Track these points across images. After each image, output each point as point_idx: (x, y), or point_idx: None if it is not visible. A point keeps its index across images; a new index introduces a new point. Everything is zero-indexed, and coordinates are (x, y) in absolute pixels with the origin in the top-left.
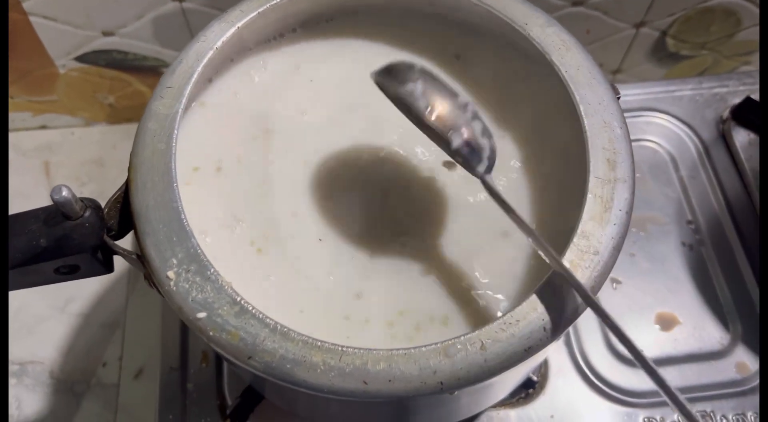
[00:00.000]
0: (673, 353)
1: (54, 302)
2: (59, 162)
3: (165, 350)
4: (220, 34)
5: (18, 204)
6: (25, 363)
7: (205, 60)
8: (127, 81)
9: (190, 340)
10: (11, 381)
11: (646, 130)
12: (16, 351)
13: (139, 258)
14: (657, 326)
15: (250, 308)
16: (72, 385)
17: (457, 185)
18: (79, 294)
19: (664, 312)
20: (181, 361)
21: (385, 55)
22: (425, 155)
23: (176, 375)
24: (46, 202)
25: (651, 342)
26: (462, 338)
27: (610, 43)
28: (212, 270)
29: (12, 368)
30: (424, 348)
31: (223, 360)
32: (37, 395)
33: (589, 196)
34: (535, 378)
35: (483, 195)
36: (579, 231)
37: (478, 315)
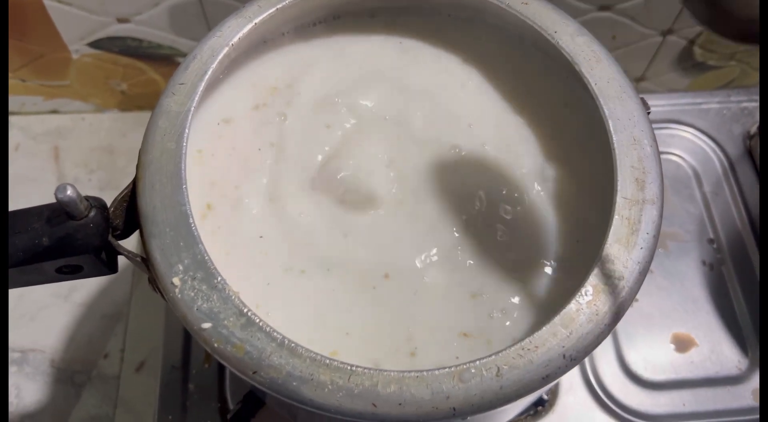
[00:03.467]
0: (688, 376)
1: (57, 290)
2: (68, 147)
3: (167, 348)
4: (237, 29)
5: (25, 188)
6: (26, 351)
7: (220, 56)
8: (141, 69)
9: (194, 340)
10: (11, 368)
11: (669, 143)
12: (17, 338)
13: (144, 261)
14: (672, 346)
15: (257, 320)
16: (72, 375)
17: None
18: (83, 283)
19: (680, 333)
20: (183, 360)
21: (405, 52)
22: None
23: (177, 374)
24: (53, 187)
25: (666, 363)
26: (477, 363)
27: (636, 50)
28: (219, 278)
29: (13, 355)
30: (437, 372)
31: None
32: (37, 384)
33: (616, 217)
34: (545, 396)
35: None
36: (604, 254)
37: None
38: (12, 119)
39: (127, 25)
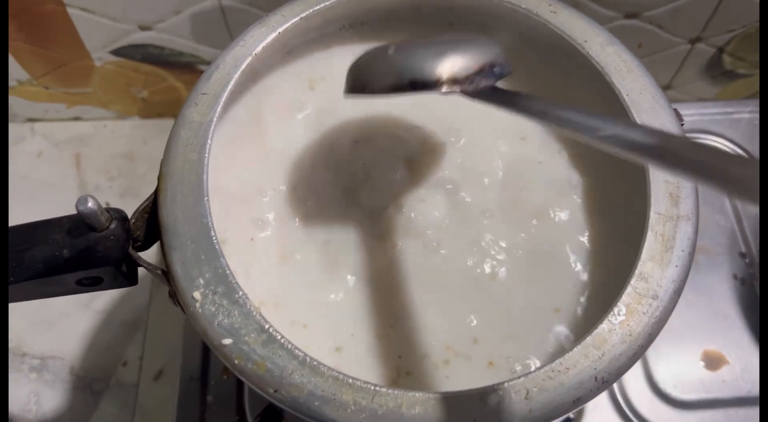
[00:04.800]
0: (719, 395)
1: (78, 297)
2: (90, 154)
3: (186, 358)
4: (260, 38)
5: (47, 194)
6: (46, 358)
7: (243, 66)
8: (162, 76)
9: (212, 351)
10: (31, 375)
11: None
12: (37, 345)
13: (164, 274)
14: (702, 364)
15: (279, 337)
16: (91, 383)
17: None
18: (103, 291)
19: (710, 350)
20: (201, 371)
21: None
22: None
23: (196, 385)
24: (74, 193)
25: (696, 381)
26: (506, 385)
27: (663, 58)
28: (240, 293)
29: (33, 362)
30: (464, 394)
31: None
32: (56, 391)
33: (649, 233)
34: (571, 415)
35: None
36: (637, 272)
37: None
38: (35, 126)
39: (149, 33)
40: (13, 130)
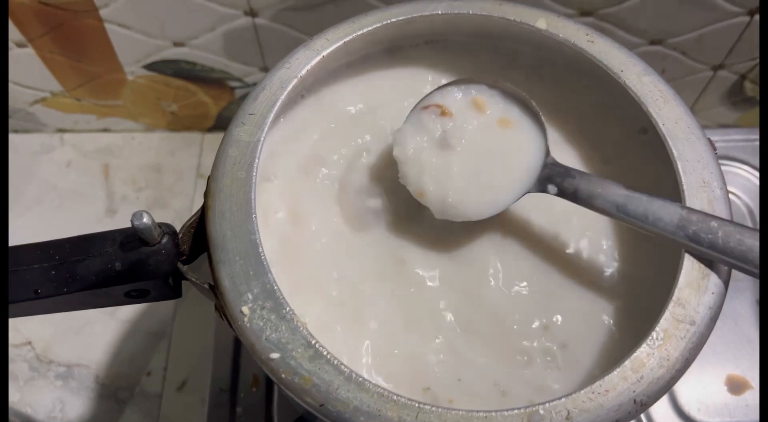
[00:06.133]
0: (742, 419)
1: None
2: (118, 165)
3: (216, 370)
4: (305, 61)
5: (75, 203)
6: (72, 366)
7: (289, 88)
8: (192, 91)
9: (242, 362)
10: (57, 383)
11: None
12: (63, 352)
13: (212, 289)
14: (726, 388)
15: (325, 353)
16: (116, 392)
17: None
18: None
19: (734, 375)
20: (231, 383)
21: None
22: None
23: (226, 397)
24: (102, 203)
25: (720, 405)
26: (547, 405)
27: (685, 84)
28: (288, 309)
29: (59, 369)
30: (506, 413)
31: (275, 387)
32: (81, 399)
33: (687, 260)
34: None
35: None
36: (674, 298)
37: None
38: (65, 136)
39: (182, 49)
40: (43, 139)
